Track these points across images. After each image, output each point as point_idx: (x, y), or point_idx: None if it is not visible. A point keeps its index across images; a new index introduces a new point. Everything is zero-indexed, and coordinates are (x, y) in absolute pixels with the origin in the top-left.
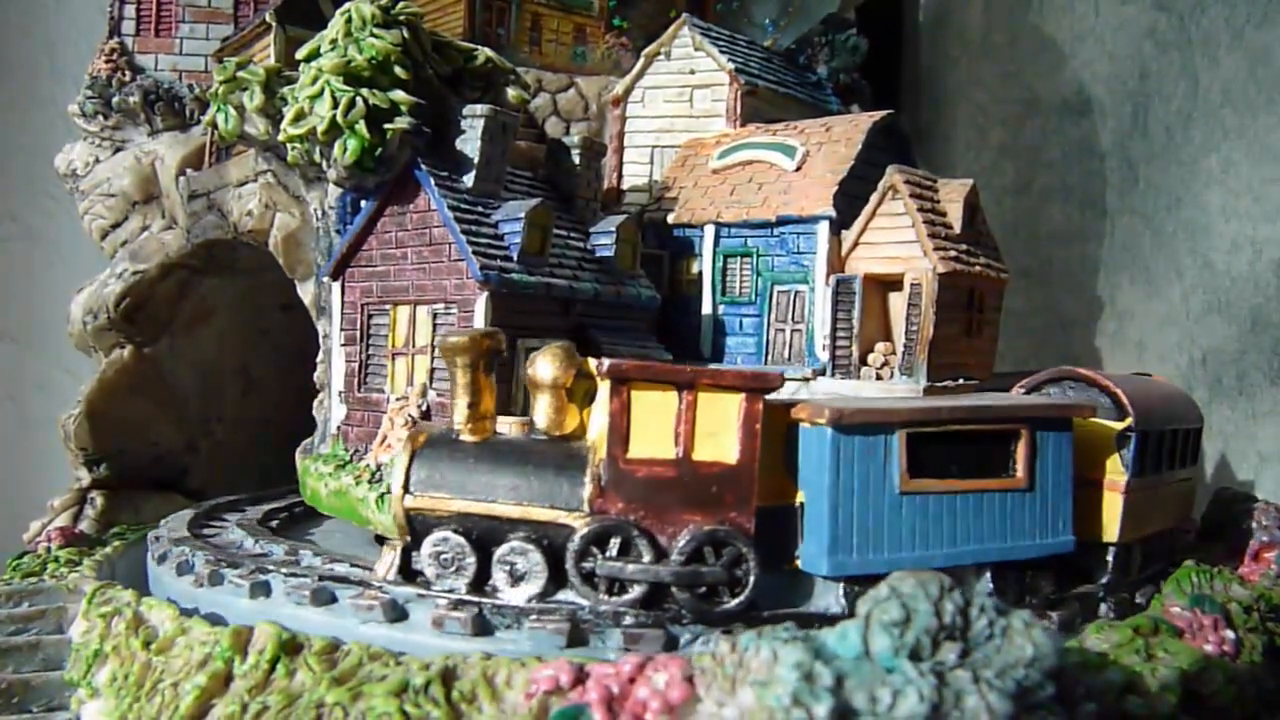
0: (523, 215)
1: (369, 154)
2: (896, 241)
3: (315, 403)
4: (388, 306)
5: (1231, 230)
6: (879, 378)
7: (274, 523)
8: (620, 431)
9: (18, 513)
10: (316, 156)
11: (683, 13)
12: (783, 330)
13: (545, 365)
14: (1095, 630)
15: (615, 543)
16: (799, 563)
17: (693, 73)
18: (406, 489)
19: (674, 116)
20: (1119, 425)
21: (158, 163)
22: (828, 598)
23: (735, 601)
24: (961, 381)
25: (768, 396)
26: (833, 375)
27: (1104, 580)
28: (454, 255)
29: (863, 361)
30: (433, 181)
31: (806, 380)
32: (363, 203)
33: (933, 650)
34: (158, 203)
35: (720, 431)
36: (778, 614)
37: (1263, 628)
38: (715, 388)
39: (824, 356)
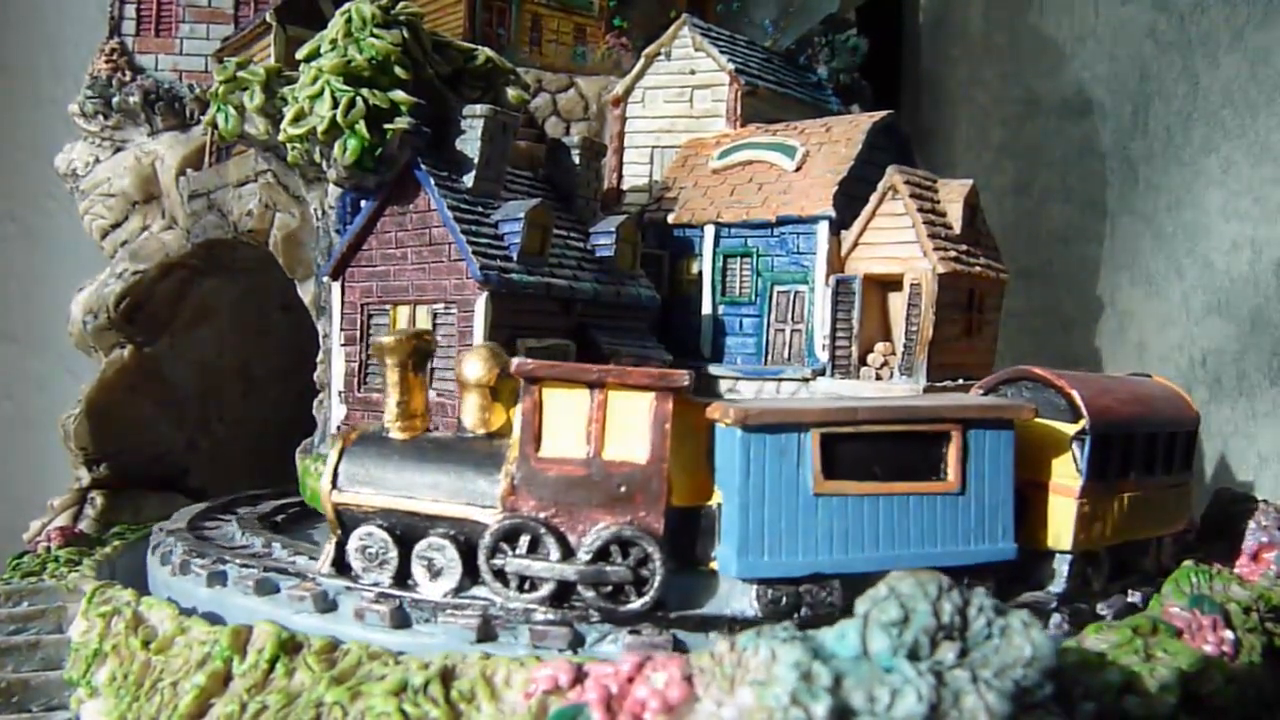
0: (523, 215)
1: (369, 154)
2: (896, 242)
3: (315, 402)
4: (388, 306)
5: (1232, 230)
6: (879, 378)
7: (279, 518)
8: (532, 430)
9: (18, 512)
10: (316, 156)
11: (683, 13)
12: (782, 330)
13: (471, 365)
14: (1094, 630)
15: (525, 540)
16: (714, 564)
17: (693, 73)
18: (335, 485)
19: (674, 117)
20: (1073, 427)
21: (158, 163)
22: (744, 600)
23: (640, 601)
24: (961, 381)
25: (700, 398)
26: (832, 375)
27: (1056, 590)
28: (454, 255)
29: (862, 362)
30: (433, 181)
31: (806, 380)
32: (363, 203)
33: (931, 650)
34: (158, 203)
35: (630, 431)
36: (686, 615)
37: (1262, 628)
38: (625, 387)
39: (824, 357)
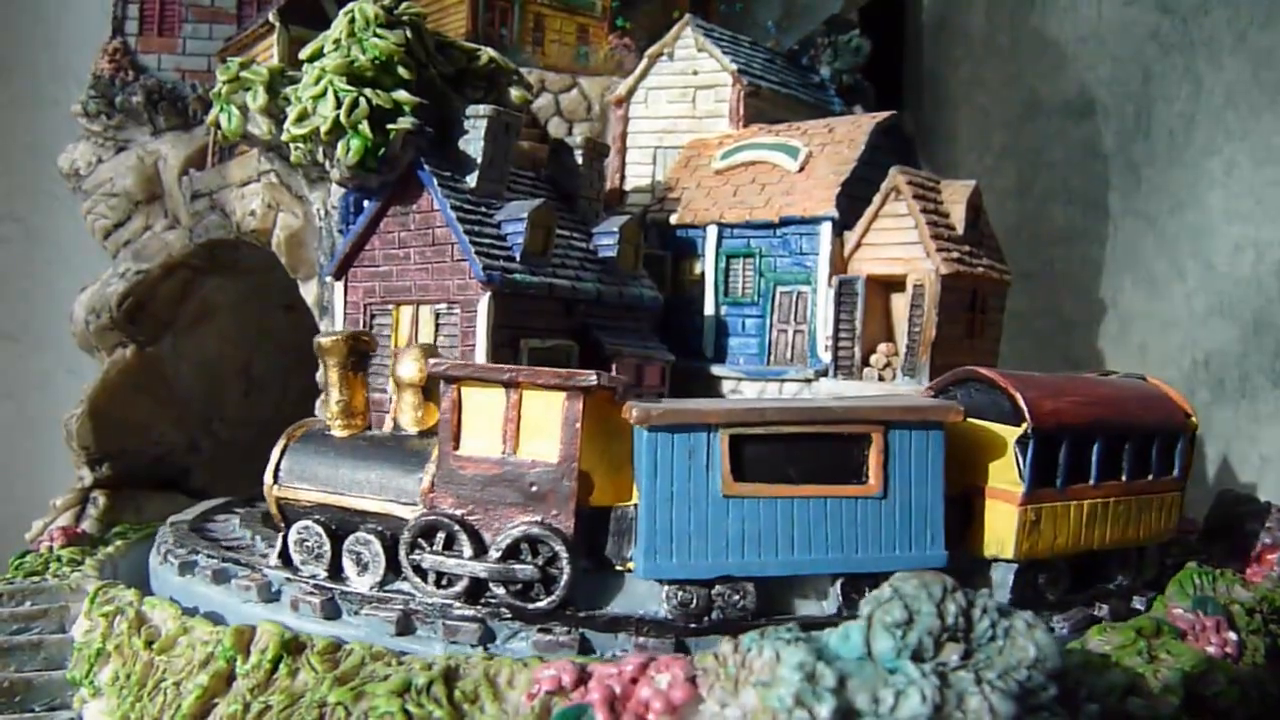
0: (525, 215)
1: (372, 154)
2: (899, 242)
3: (318, 403)
4: (390, 306)
5: (1234, 232)
6: (881, 379)
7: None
8: (451, 429)
9: (20, 512)
10: (319, 156)
11: (686, 14)
12: (785, 331)
13: (406, 365)
14: (1098, 632)
15: (441, 537)
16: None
17: (695, 73)
18: (276, 480)
19: (677, 117)
20: (1017, 431)
21: (160, 162)
22: (656, 601)
23: (548, 599)
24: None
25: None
26: (835, 376)
27: (1006, 600)
28: (457, 255)
29: (865, 362)
30: (436, 182)
31: (809, 381)
32: (365, 203)
33: (935, 651)
34: (160, 202)
35: (543, 431)
36: (594, 614)
37: (1265, 630)
38: (537, 387)
39: (826, 357)
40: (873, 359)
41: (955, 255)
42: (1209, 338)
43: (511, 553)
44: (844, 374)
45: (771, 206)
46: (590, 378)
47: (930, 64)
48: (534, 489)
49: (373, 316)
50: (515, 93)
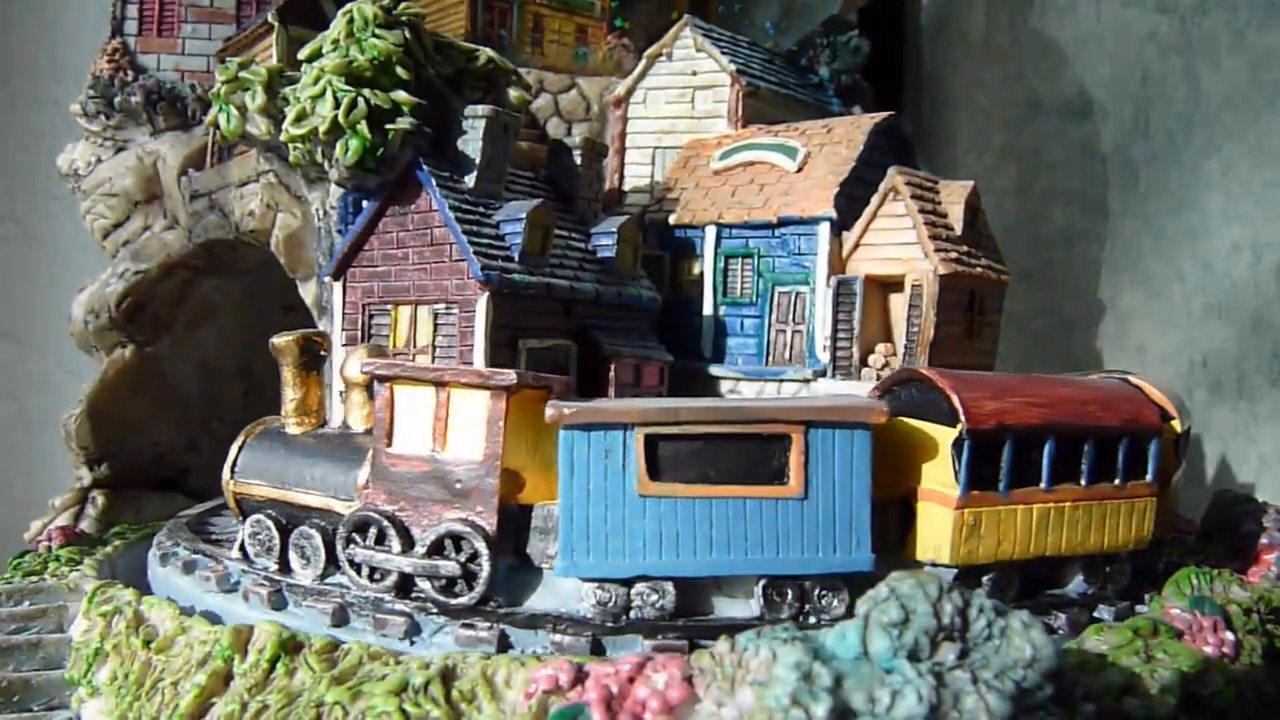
0: (524, 216)
1: (370, 154)
2: (898, 243)
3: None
4: (389, 306)
5: (1232, 233)
6: (880, 379)
7: None
8: (384, 427)
9: (19, 512)
10: (318, 156)
11: (684, 14)
12: (784, 331)
13: (352, 365)
14: (1094, 632)
15: (373, 532)
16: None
17: (694, 74)
18: (233, 475)
19: (675, 117)
20: (953, 432)
21: (160, 162)
22: (577, 598)
23: (469, 595)
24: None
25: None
26: (833, 376)
27: None
28: (455, 255)
29: (863, 363)
30: (434, 182)
31: (807, 381)
32: (364, 203)
33: (931, 651)
34: (159, 202)
35: (468, 429)
36: (514, 611)
37: (1262, 630)
38: (463, 386)
39: (825, 358)
40: (871, 359)
41: (953, 255)
42: (1207, 338)
43: (436, 549)
44: (842, 374)
45: (770, 207)
46: (510, 377)
47: (929, 65)
48: (459, 486)
49: (371, 317)
50: (514, 93)
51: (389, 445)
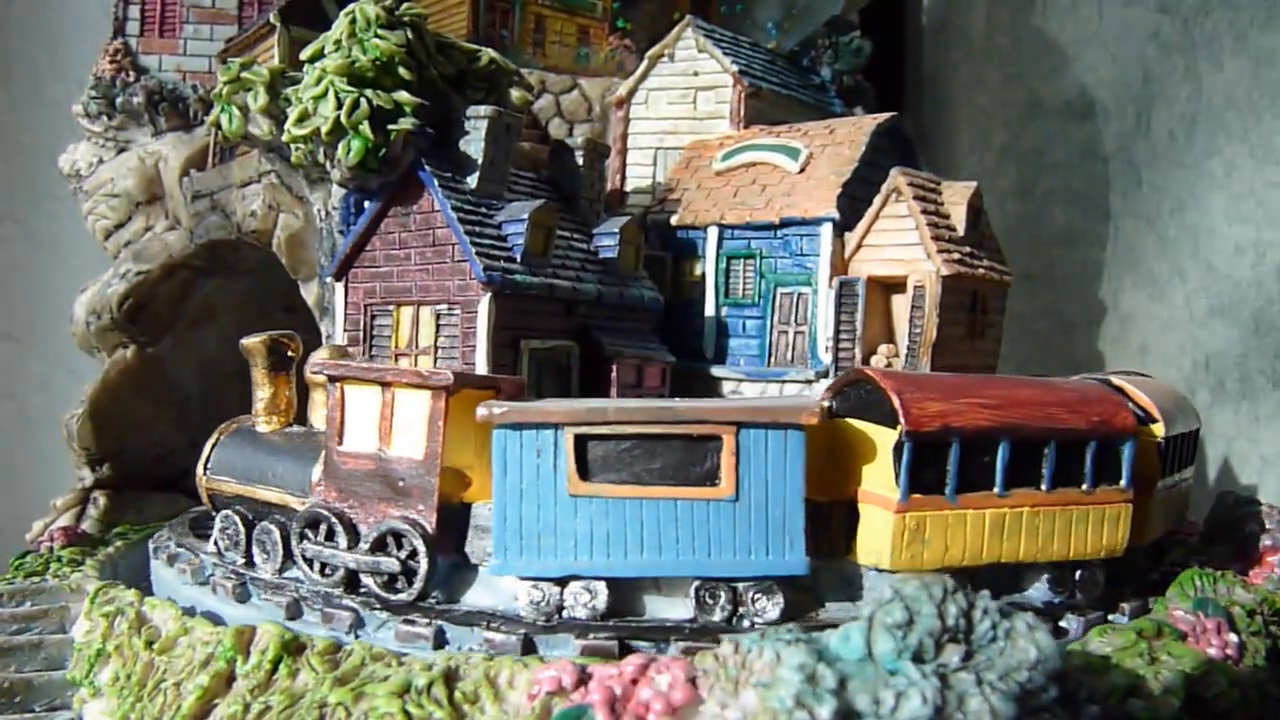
0: (526, 216)
1: (373, 155)
2: (900, 244)
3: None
4: (391, 307)
5: (1235, 234)
6: None
7: None
8: (335, 426)
9: (20, 512)
10: (320, 157)
11: (686, 15)
12: (786, 332)
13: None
14: (1098, 633)
15: (323, 528)
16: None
17: (696, 74)
18: (205, 471)
19: (677, 118)
20: (895, 434)
21: (161, 163)
22: (512, 597)
23: (408, 592)
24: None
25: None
26: (836, 377)
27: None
28: (457, 256)
29: (866, 363)
30: (436, 182)
31: (809, 382)
32: (366, 203)
33: (936, 652)
34: (161, 203)
35: (411, 428)
36: (452, 608)
37: (1266, 631)
38: (406, 386)
39: (827, 358)
40: (873, 360)
41: (956, 256)
42: (1209, 339)
43: (379, 545)
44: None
45: (772, 207)
46: (447, 377)
47: (931, 65)
48: (402, 484)
49: (373, 317)
50: (516, 94)
51: (340, 444)
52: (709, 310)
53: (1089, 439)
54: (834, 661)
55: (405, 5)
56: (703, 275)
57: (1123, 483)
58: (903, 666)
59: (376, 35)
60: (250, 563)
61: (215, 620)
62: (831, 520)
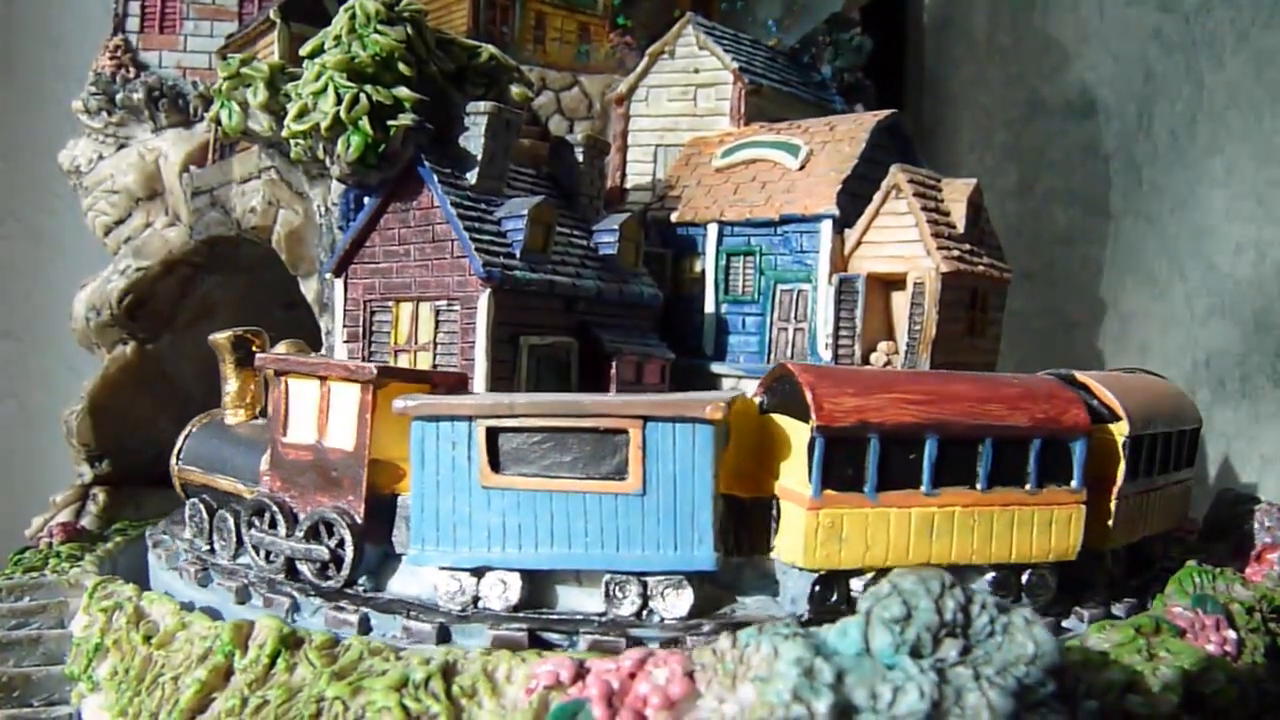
0: (526, 212)
1: (372, 150)
2: (900, 241)
3: None
4: (390, 303)
5: (1235, 233)
6: None
7: None
8: (280, 418)
9: (20, 508)
10: (320, 153)
11: (687, 12)
12: (785, 329)
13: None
14: (1097, 629)
15: (267, 516)
16: None
17: (697, 71)
18: (177, 461)
19: (678, 115)
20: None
21: (161, 159)
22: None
23: (336, 579)
24: None
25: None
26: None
27: (795, 612)
28: (457, 252)
29: (865, 360)
30: (436, 178)
31: None
32: (366, 199)
33: (934, 647)
34: (161, 199)
35: (343, 420)
36: (377, 596)
37: (1265, 629)
38: (339, 379)
39: (826, 355)
40: (873, 357)
41: (955, 253)
42: (1210, 338)
43: (312, 534)
44: None
45: (772, 204)
46: (371, 370)
47: (932, 63)
48: (334, 474)
49: (372, 313)
50: (516, 90)
51: (283, 435)
52: (709, 307)
53: (1032, 437)
54: (831, 656)
55: (405, 1)
56: (702, 272)
57: (1074, 483)
58: (900, 661)
59: (376, 31)
60: (212, 549)
61: (185, 605)
62: (754, 517)
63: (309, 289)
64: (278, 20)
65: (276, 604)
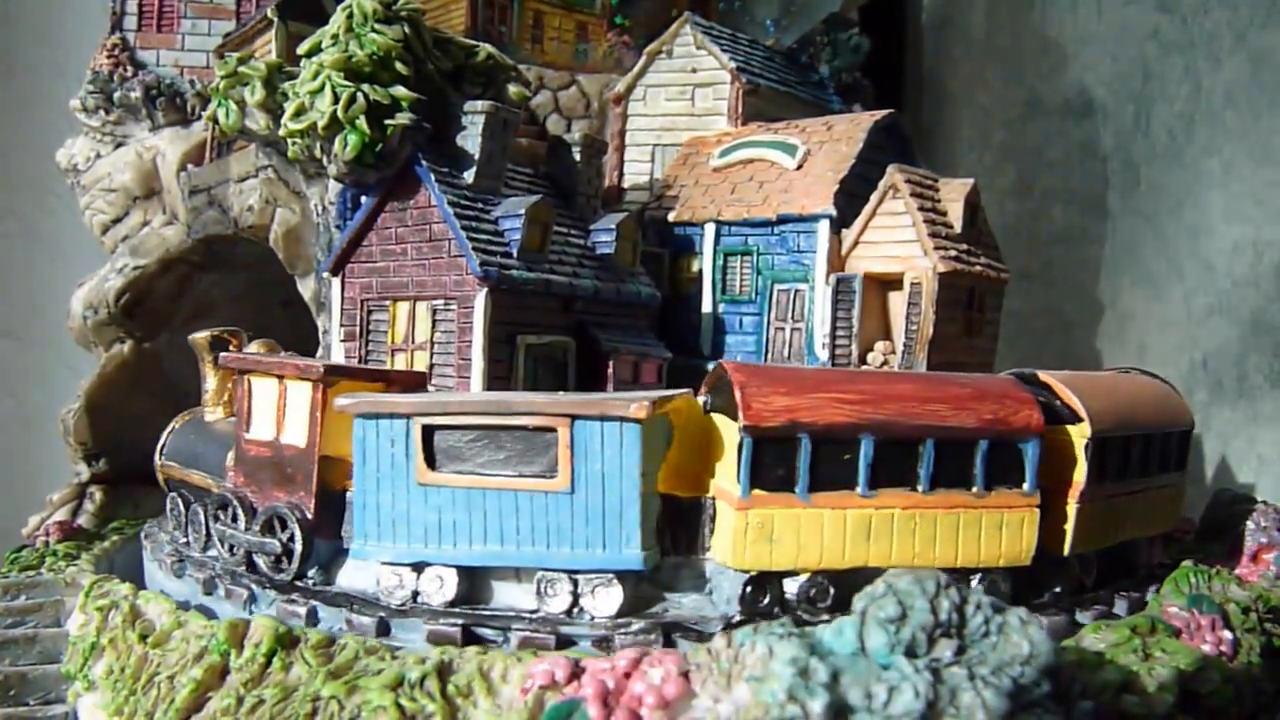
0: (523, 212)
1: (369, 149)
2: (897, 240)
3: None
4: (387, 302)
5: (1233, 232)
6: None
7: None
8: (243, 415)
9: (16, 507)
10: (317, 152)
11: (684, 11)
12: (782, 329)
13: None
14: (1092, 629)
15: (230, 510)
16: None
17: (694, 71)
18: (160, 456)
19: (675, 115)
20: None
21: (159, 158)
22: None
23: (287, 572)
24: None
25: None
26: None
27: (727, 612)
28: (454, 251)
29: (862, 360)
30: (433, 177)
31: None
32: (363, 198)
33: (929, 647)
34: (159, 198)
35: (297, 418)
36: (325, 589)
37: (1260, 629)
38: (292, 377)
39: (823, 355)
40: (870, 357)
41: (953, 253)
42: (1207, 338)
43: (267, 528)
44: None
45: (769, 204)
46: (318, 369)
47: (930, 63)
48: (289, 471)
49: (369, 313)
50: (513, 89)
51: (246, 432)
52: (706, 307)
53: (978, 438)
54: (826, 655)
55: (403, 0)
56: (700, 272)
57: (1026, 486)
58: (895, 661)
59: (374, 30)
60: (189, 542)
61: (181, 605)
62: (693, 517)
63: (306, 288)
64: (275, 19)
65: (234, 595)
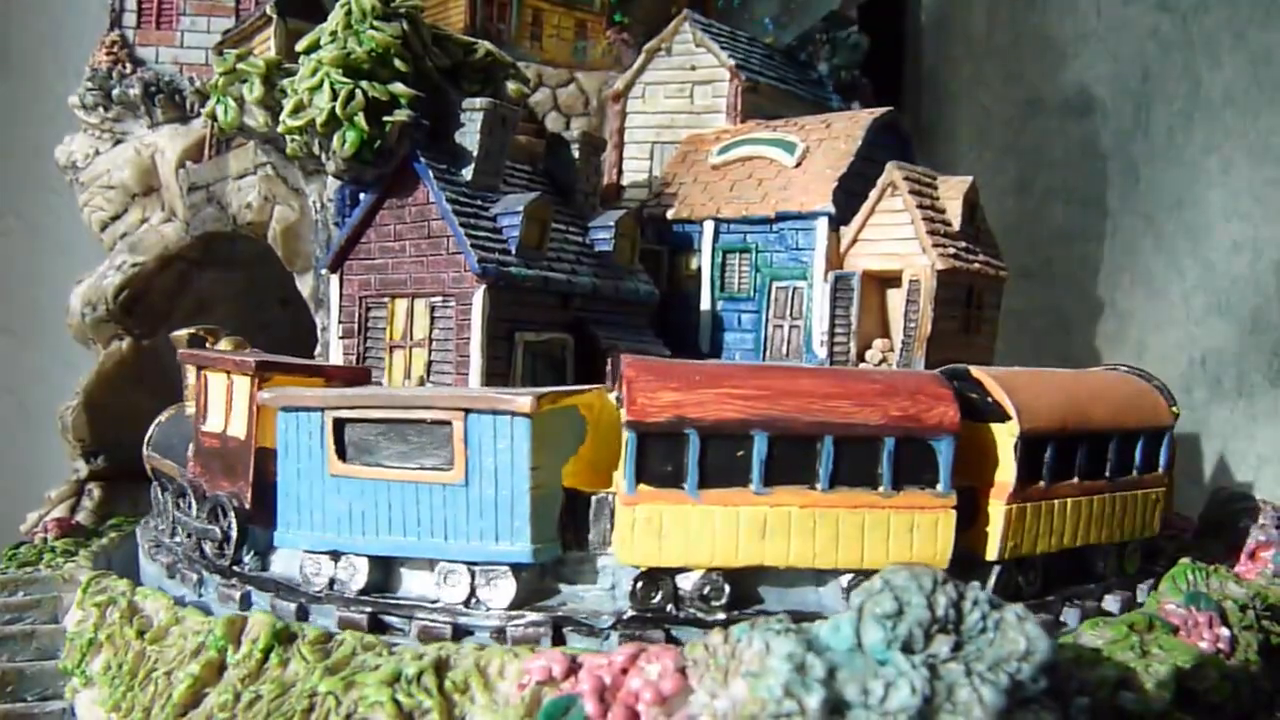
0: (521, 209)
1: (368, 146)
2: (895, 238)
3: None
4: (386, 299)
5: (1232, 231)
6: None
7: None
8: (199, 407)
9: (14, 504)
10: (315, 149)
11: (684, 9)
12: (781, 326)
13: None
14: (1090, 626)
15: (186, 498)
16: None
17: (693, 69)
18: (147, 449)
19: (674, 112)
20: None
21: (158, 155)
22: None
23: (224, 557)
24: None
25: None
26: None
27: (619, 607)
28: (452, 248)
29: (860, 358)
30: (431, 174)
31: None
32: (361, 195)
33: (925, 643)
34: (157, 195)
35: (239, 411)
36: (257, 575)
37: (1258, 626)
38: (235, 371)
39: (822, 353)
40: (868, 354)
41: (951, 251)
42: (1207, 336)
43: (211, 515)
44: None
45: (768, 202)
46: (250, 364)
47: (930, 62)
48: (231, 461)
49: (368, 310)
50: (512, 86)
51: (202, 424)
52: (704, 304)
53: (884, 435)
54: (823, 651)
55: None
56: (698, 269)
57: (940, 486)
58: (892, 657)
59: (372, 27)
60: (164, 529)
61: (161, 590)
62: (599, 511)
63: (304, 285)
64: (274, 16)
65: (186, 579)
